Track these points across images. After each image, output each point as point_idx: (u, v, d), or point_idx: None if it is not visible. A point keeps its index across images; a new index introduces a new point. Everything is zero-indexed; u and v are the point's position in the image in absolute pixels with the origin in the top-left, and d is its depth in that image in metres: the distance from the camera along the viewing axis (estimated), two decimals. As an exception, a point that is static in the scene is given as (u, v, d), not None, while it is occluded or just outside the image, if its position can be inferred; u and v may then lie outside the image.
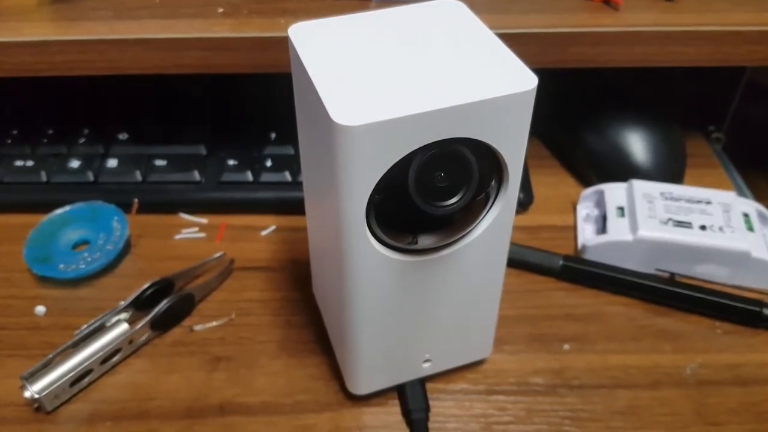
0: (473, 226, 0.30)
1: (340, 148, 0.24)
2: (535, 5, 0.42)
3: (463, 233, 0.30)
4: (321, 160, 0.27)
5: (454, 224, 0.29)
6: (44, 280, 0.42)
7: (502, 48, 0.27)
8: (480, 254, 0.31)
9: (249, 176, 0.46)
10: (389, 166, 0.25)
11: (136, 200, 0.44)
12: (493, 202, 0.29)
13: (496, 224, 0.30)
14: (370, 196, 0.26)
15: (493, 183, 0.28)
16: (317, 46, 0.28)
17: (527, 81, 0.25)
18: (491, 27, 0.39)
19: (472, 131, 0.25)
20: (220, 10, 0.42)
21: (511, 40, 0.39)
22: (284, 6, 0.43)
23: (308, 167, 0.32)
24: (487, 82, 0.25)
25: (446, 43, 0.27)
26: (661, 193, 0.43)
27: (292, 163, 0.47)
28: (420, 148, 0.25)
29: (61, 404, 0.35)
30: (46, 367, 0.36)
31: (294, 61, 0.29)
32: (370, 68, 0.26)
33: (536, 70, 0.41)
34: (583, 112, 0.49)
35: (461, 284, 0.32)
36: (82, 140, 0.49)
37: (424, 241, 0.29)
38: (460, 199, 0.27)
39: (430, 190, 0.26)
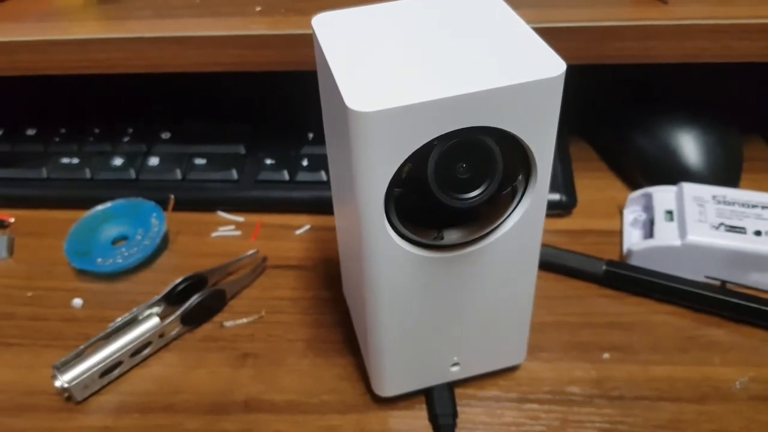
0: (501, 221, 0.28)
1: (356, 136, 0.24)
2: (580, -1, 0.40)
3: (491, 228, 0.28)
4: (341, 152, 0.27)
5: (480, 218, 0.28)
6: (83, 274, 0.43)
7: (530, 34, 0.26)
8: (509, 252, 0.29)
9: (285, 175, 0.46)
10: (408, 156, 0.24)
11: (172, 197, 0.44)
12: (521, 197, 0.28)
13: (525, 220, 0.28)
14: (390, 188, 0.25)
15: (520, 176, 0.27)
16: (340, 34, 0.27)
17: (555, 66, 0.24)
18: (535, 21, 0.38)
19: (496, 120, 0.24)
20: (258, 8, 0.42)
21: (555, 34, 0.38)
22: (322, 3, 0.42)
23: (332, 162, 0.32)
24: (512, 68, 0.24)
25: (472, 30, 0.26)
26: (713, 197, 0.40)
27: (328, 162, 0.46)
28: (440, 137, 0.24)
29: (91, 395, 0.36)
30: (78, 357, 0.36)
31: (317, 52, 0.28)
32: (391, 55, 0.25)
33: (581, 66, 0.39)
34: (633, 111, 0.47)
35: (489, 284, 0.30)
36: (126, 139, 0.50)
37: (450, 236, 0.28)
38: (482, 192, 0.26)
39: (452, 182, 0.25)
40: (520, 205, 0.28)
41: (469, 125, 0.24)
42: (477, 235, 0.28)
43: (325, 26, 0.28)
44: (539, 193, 0.28)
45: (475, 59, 0.25)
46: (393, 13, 0.28)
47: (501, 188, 0.26)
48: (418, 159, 0.25)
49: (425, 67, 0.24)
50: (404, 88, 0.23)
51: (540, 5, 0.40)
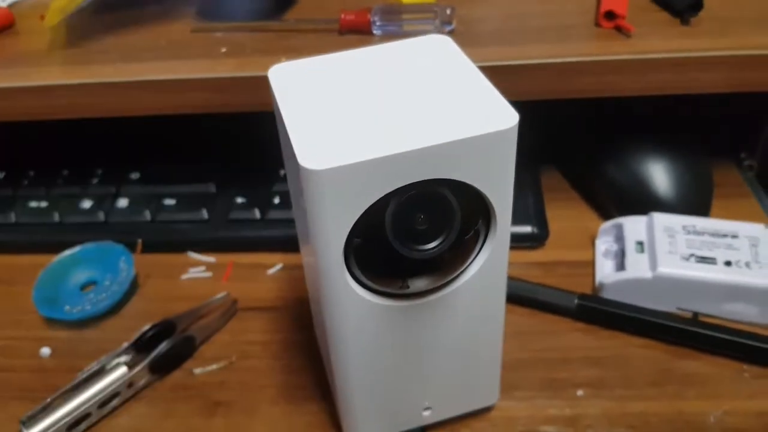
0: (465, 266, 0.28)
1: (310, 192, 0.23)
2: (544, 34, 0.40)
3: (454, 275, 0.28)
4: (299, 200, 0.27)
5: (444, 266, 0.28)
6: (51, 322, 0.42)
7: (484, 84, 0.26)
8: (474, 296, 0.29)
9: (257, 214, 0.46)
10: (363, 210, 0.24)
11: (140, 240, 0.44)
12: (483, 242, 0.28)
13: (489, 264, 0.28)
14: (349, 239, 0.25)
15: (481, 221, 0.27)
16: (295, 87, 0.27)
17: (508, 118, 0.24)
18: (499, 59, 0.38)
19: (451, 172, 0.24)
20: (224, 49, 0.42)
21: (519, 71, 0.38)
22: (287, 44, 0.42)
23: (294, 206, 0.31)
24: (465, 121, 0.24)
25: (427, 80, 0.26)
26: (684, 227, 0.40)
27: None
28: (396, 190, 0.24)
29: (58, 450, 0.35)
30: (45, 410, 0.35)
31: (274, 103, 0.28)
32: (346, 109, 0.25)
33: (548, 101, 0.39)
34: (604, 141, 0.47)
35: (457, 328, 0.30)
36: (95, 180, 0.49)
37: (416, 284, 0.28)
38: (441, 243, 0.25)
39: (410, 234, 0.25)
40: (483, 250, 0.28)
41: (424, 178, 0.24)
42: (442, 282, 0.28)
43: (281, 78, 0.28)
44: (501, 237, 0.28)
45: (429, 111, 0.24)
46: (350, 63, 0.28)
47: (462, 234, 0.26)
48: (375, 211, 0.24)
49: (379, 121, 0.24)
50: (358, 143, 0.23)
51: (504, 43, 0.40)
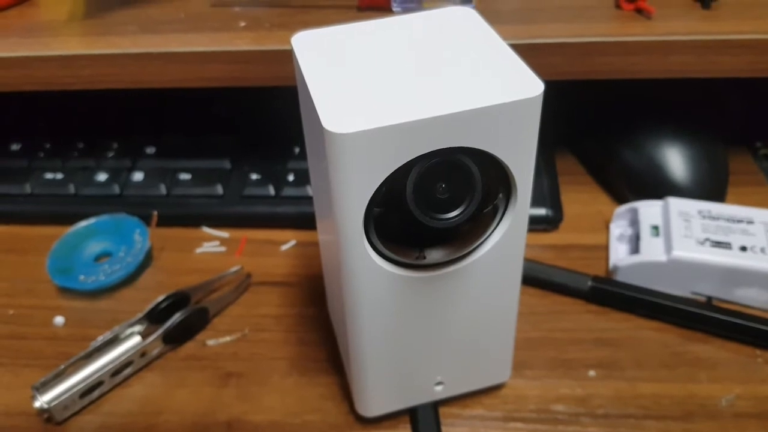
0: (482, 239, 0.28)
1: (333, 157, 0.23)
2: (564, 14, 0.40)
3: (473, 247, 0.28)
4: (320, 170, 0.27)
5: (461, 238, 0.28)
6: (65, 291, 0.42)
7: (509, 54, 0.26)
8: (492, 270, 0.29)
9: (271, 190, 0.46)
10: (386, 176, 0.24)
11: (155, 213, 0.44)
12: (502, 215, 0.28)
13: (507, 238, 0.28)
14: (369, 208, 0.25)
15: (501, 195, 0.27)
16: (319, 54, 0.27)
17: (533, 87, 0.24)
18: (519, 37, 0.38)
19: (474, 140, 0.24)
20: (243, 23, 0.42)
21: (539, 50, 0.38)
22: (306, 19, 0.42)
23: (313, 178, 0.32)
24: (489, 89, 0.24)
25: (451, 50, 0.26)
26: (699, 212, 0.40)
27: (310, 178, 0.46)
28: (419, 158, 0.24)
29: (71, 415, 0.35)
30: (58, 377, 0.36)
31: (296, 70, 0.28)
32: (370, 75, 0.25)
33: (565, 81, 0.39)
34: (620, 125, 0.47)
35: (472, 302, 0.30)
36: (110, 154, 0.50)
37: (432, 255, 0.28)
38: (462, 212, 0.25)
39: (431, 202, 0.25)
40: (501, 223, 0.28)
41: (447, 146, 0.24)
42: (459, 254, 0.28)
43: (305, 45, 0.28)
44: (520, 211, 0.28)
45: (453, 79, 0.24)
46: (373, 32, 0.28)
47: (482, 207, 0.26)
48: (397, 179, 0.24)
49: (403, 88, 0.24)
50: (382, 108, 0.23)
51: (524, 21, 0.40)
